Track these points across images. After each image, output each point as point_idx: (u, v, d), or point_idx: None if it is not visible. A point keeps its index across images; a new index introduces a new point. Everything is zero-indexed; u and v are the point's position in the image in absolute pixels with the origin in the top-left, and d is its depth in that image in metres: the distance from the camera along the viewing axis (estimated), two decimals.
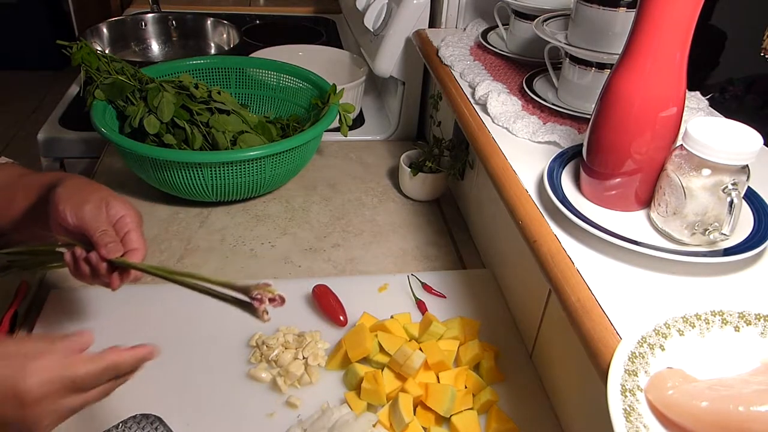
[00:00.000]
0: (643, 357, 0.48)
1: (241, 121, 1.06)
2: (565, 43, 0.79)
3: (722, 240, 0.58)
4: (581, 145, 0.66)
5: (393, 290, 0.87)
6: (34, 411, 0.49)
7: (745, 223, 0.60)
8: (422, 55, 1.10)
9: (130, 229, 0.69)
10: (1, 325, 0.79)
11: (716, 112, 0.83)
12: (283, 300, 0.61)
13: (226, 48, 1.67)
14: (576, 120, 0.81)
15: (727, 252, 0.57)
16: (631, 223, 0.63)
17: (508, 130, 0.80)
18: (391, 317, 0.79)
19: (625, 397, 0.45)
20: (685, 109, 0.62)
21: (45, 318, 0.80)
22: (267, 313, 0.60)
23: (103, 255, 0.65)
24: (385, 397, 0.69)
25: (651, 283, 0.56)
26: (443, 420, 0.69)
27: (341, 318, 0.80)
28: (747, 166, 0.56)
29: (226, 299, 0.62)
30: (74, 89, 1.41)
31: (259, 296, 0.60)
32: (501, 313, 0.84)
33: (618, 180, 0.62)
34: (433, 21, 1.16)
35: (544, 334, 0.74)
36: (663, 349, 0.48)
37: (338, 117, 1.08)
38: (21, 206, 0.71)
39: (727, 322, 0.50)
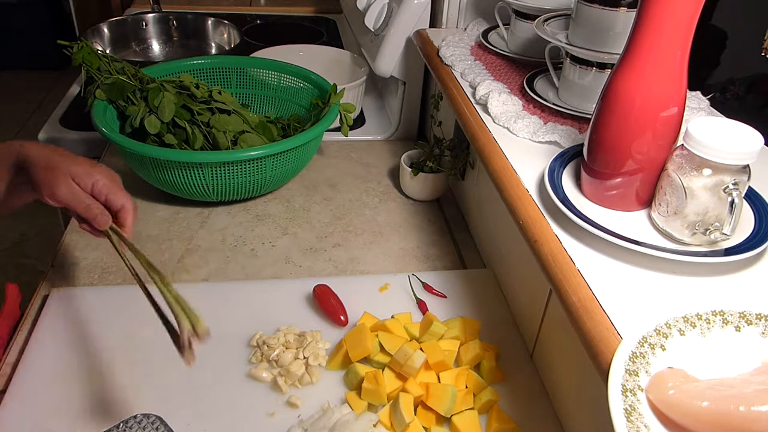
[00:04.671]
0: (644, 357, 0.48)
1: (241, 121, 1.06)
2: (566, 43, 0.79)
3: (723, 240, 0.58)
4: (582, 145, 0.66)
5: (394, 290, 0.87)
6: None
7: (745, 223, 0.60)
8: (423, 55, 1.10)
9: (108, 193, 0.73)
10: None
11: (717, 111, 0.83)
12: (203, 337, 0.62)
13: (227, 48, 1.67)
14: (577, 120, 0.81)
15: (728, 252, 0.57)
16: (632, 223, 0.63)
17: (509, 130, 0.80)
18: (392, 317, 0.79)
19: (626, 396, 0.45)
20: (686, 109, 0.62)
21: (46, 318, 0.80)
22: (192, 353, 0.62)
23: (97, 228, 0.72)
24: (386, 396, 0.69)
25: (652, 283, 0.56)
26: (444, 420, 0.69)
27: (342, 318, 0.80)
28: (748, 165, 0.56)
29: (165, 322, 0.65)
30: (75, 89, 1.41)
31: (187, 340, 0.61)
32: (502, 313, 0.84)
33: (619, 180, 0.62)
34: (434, 21, 1.16)
35: (545, 334, 0.74)
36: (664, 349, 0.48)
37: (339, 117, 1.08)
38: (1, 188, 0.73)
39: (728, 321, 0.50)
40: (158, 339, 0.77)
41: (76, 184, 0.71)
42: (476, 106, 0.87)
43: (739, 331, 0.50)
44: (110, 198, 0.73)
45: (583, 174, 0.66)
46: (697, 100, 0.82)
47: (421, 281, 0.88)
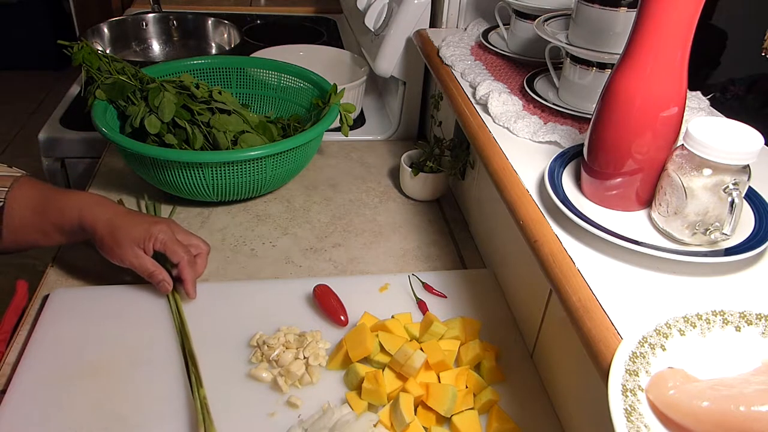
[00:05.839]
0: (644, 357, 0.48)
1: (242, 121, 1.06)
2: (566, 43, 0.79)
3: (723, 240, 0.58)
4: (582, 145, 0.66)
5: (394, 290, 0.87)
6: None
7: (746, 223, 0.60)
8: (423, 55, 1.10)
9: (165, 250, 0.80)
10: (3, 324, 0.79)
11: (717, 112, 0.83)
12: None
13: (227, 48, 1.67)
14: (577, 120, 0.81)
15: (728, 252, 0.57)
16: (632, 223, 0.63)
17: (509, 130, 0.80)
18: (392, 317, 0.79)
19: (626, 397, 0.45)
20: (686, 109, 0.62)
21: (46, 318, 0.80)
22: None
23: (162, 292, 0.82)
24: (386, 397, 0.69)
25: (652, 283, 0.56)
26: (444, 420, 0.69)
27: (342, 318, 0.80)
28: (748, 165, 0.56)
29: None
30: (75, 89, 1.41)
31: None
32: (502, 313, 0.84)
33: (619, 180, 0.62)
34: (434, 21, 1.16)
35: (545, 334, 0.74)
36: (664, 349, 0.48)
37: (339, 117, 1.08)
38: (58, 239, 0.83)
39: (728, 321, 0.50)
40: (158, 339, 0.78)
41: (141, 248, 0.79)
42: (476, 106, 0.87)
43: (739, 331, 0.50)
44: (168, 254, 0.81)
45: (583, 174, 0.66)
46: (697, 100, 0.82)
47: (421, 281, 0.88)
